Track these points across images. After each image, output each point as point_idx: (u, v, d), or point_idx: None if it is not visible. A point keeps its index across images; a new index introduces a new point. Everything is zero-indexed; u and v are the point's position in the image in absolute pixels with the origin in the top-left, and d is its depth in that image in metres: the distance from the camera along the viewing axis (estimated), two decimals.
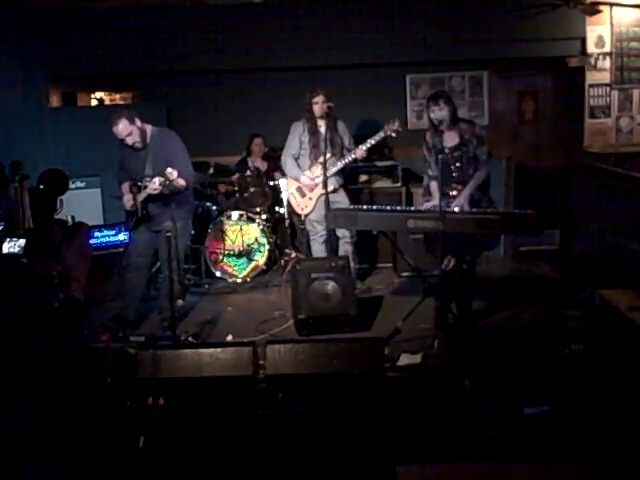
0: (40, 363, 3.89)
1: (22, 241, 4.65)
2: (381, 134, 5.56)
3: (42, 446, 3.29)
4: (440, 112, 4.73)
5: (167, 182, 4.77)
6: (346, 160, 5.66)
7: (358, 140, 5.86)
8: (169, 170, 4.71)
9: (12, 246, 4.65)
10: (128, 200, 5.08)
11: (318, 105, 5.61)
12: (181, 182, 4.93)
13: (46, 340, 4.08)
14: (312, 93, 5.62)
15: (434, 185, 4.86)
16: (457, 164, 4.81)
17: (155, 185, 4.79)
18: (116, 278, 6.08)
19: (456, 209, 4.63)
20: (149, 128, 5.04)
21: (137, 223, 5.09)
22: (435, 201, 4.78)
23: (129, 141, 4.90)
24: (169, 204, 4.82)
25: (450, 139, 4.84)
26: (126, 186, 5.12)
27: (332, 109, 5.60)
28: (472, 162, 4.81)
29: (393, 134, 5.56)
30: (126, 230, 5.77)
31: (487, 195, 4.90)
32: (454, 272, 4.83)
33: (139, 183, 4.98)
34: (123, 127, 4.85)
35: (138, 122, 4.93)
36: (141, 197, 4.97)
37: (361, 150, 5.63)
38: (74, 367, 3.94)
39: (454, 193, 4.76)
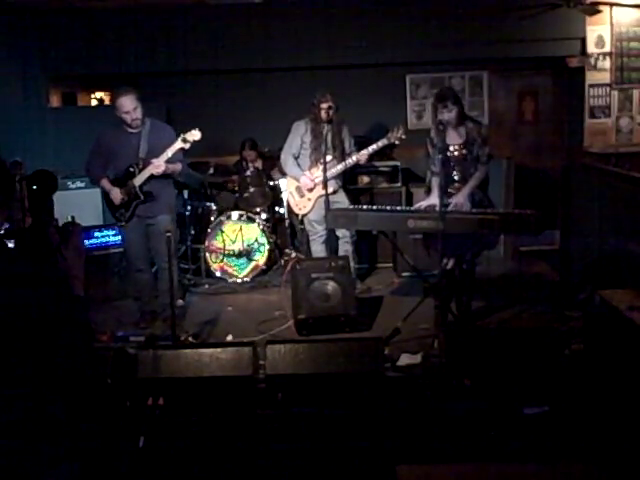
0: (65, 364, 3.88)
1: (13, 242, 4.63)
2: (384, 141, 5.56)
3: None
4: (450, 114, 4.70)
5: (187, 145, 4.89)
6: (347, 163, 5.68)
7: (358, 140, 5.86)
8: (194, 131, 4.88)
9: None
10: (117, 194, 5.03)
11: (324, 110, 5.60)
12: (178, 167, 5.06)
13: (67, 340, 4.07)
14: (321, 97, 5.57)
15: (435, 181, 4.83)
16: (460, 163, 4.80)
17: (160, 162, 4.87)
18: (116, 278, 6.08)
19: (454, 207, 4.64)
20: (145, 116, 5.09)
21: (134, 210, 5.04)
22: (432, 199, 4.78)
23: (132, 116, 4.90)
24: (159, 192, 4.96)
25: (455, 137, 4.81)
26: (106, 181, 5.08)
27: (332, 109, 5.60)
28: (474, 162, 4.80)
29: (397, 142, 5.57)
30: (119, 228, 5.63)
31: (486, 195, 4.90)
32: (453, 271, 4.84)
33: (130, 169, 4.97)
34: (130, 101, 4.88)
35: (140, 104, 4.98)
36: (140, 180, 4.96)
37: (363, 155, 5.64)
38: (93, 367, 3.93)
39: (455, 193, 4.76)
